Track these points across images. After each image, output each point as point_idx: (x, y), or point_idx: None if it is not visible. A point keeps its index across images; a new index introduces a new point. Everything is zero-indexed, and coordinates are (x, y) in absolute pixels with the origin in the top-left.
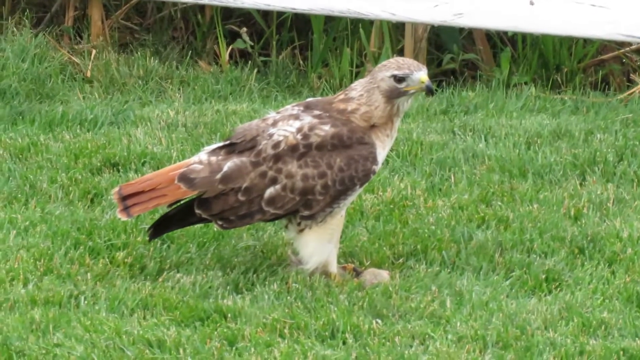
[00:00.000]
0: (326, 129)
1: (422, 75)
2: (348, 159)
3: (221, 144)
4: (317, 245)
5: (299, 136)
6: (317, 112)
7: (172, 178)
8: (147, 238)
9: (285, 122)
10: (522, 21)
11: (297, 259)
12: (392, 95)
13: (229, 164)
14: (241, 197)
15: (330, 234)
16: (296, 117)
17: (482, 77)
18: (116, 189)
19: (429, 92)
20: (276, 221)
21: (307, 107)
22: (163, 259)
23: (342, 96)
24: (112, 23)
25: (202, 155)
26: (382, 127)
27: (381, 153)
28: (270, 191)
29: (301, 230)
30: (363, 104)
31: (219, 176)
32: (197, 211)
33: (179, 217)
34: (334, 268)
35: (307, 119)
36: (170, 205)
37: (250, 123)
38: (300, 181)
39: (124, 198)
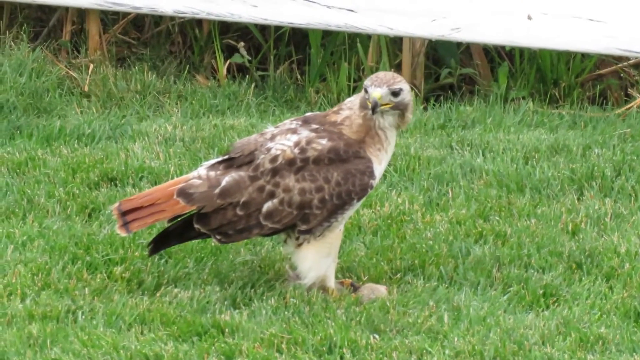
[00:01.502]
0: (323, 143)
1: (376, 92)
2: (345, 173)
3: (220, 158)
4: (315, 260)
5: (296, 150)
6: (314, 126)
7: (171, 193)
8: (147, 253)
9: (283, 137)
10: (519, 36)
11: (295, 274)
12: (362, 105)
13: (227, 179)
14: (239, 212)
15: (328, 248)
16: (294, 131)
17: (480, 91)
18: (116, 204)
19: (371, 110)
20: (274, 236)
21: (305, 122)
22: (161, 274)
23: (335, 108)
24: (110, 37)
25: (201, 170)
26: (371, 141)
27: (377, 168)
28: (268, 205)
29: (299, 245)
30: (348, 109)
31: (217, 191)
32: (196, 226)
33: (178, 232)
34: (332, 283)
35: (305, 133)
36: (170, 221)
37: (249, 138)
38: (298, 195)
39: (123, 214)
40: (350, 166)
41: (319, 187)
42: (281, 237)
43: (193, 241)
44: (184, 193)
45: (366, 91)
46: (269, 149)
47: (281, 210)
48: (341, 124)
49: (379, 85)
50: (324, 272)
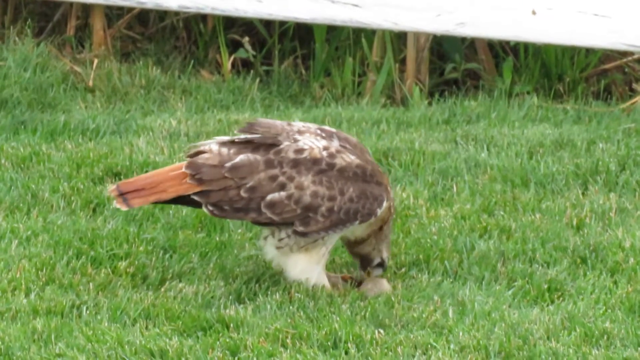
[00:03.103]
0: (352, 158)
1: None
2: (361, 192)
3: (236, 138)
4: (306, 265)
5: (324, 152)
6: (346, 144)
7: (174, 176)
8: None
9: (312, 136)
10: (524, 31)
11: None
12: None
13: (241, 156)
14: (243, 194)
15: (317, 258)
16: (323, 137)
17: (484, 86)
18: (113, 186)
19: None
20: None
21: (331, 136)
22: (165, 269)
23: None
24: (114, 32)
25: (213, 145)
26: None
27: (384, 204)
28: (273, 195)
29: (278, 248)
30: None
31: (228, 164)
32: (194, 196)
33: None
34: (326, 283)
35: (335, 143)
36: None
37: (275, 121)
38: (309, 196)
39: (122, 194)
40: (367, 188)
41: (332, 197)
42: (264, 233)
43: (198, 236)
44: (194, 165)
45: None
46: (296, 140)
47: (286, 204)
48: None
49: None
50: (315, 280)
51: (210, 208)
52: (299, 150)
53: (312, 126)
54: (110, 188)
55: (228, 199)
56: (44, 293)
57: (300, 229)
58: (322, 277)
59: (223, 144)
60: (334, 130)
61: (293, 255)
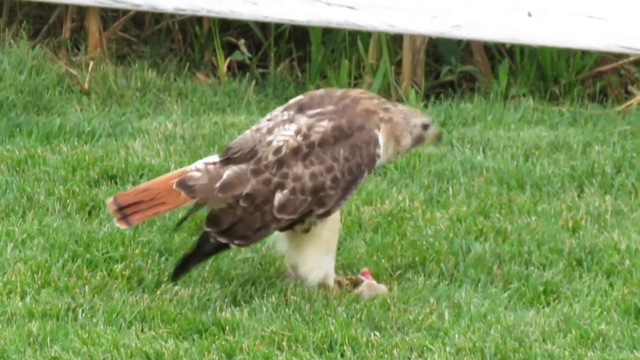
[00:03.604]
0: (324, 125)
1: (436, 125)
2: (351, 147)
3: (217, 158)
4: (316, 260)
5: (299, 137)
6: (310, 112)
7: (170, 186)
8: (171, 279)
9: (281, 127)
10: (520, 33)
11: (296, 275)
12: (416, 142)
13: (228, 172)
14: (243, 204)
15: (327, 246)
16: (290, 120)
17: (480, 89)
18: (111, 199)
19: (439, 139)
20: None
21: (301, 109)
22: (161, 272)
23: (375, 101)
24: (110, 35)
25: (199, 164)
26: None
27: (382, 149)
28: (279, 197)
29: (306, 230)
30: (400, 132)
31: (218, 184)
32: (207, 229)
33: (195, 252)
34: (332, 280)
35: (303, 120)
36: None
37: (245, 135)
38: (310, 181)
39: (121, 208)
40: (354, 140)
41: (329, 167)
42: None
43: (193, 238)
44: (183, 185)
45: (426, 128)
46: (269, 142)
47: (294, 199)
48: (385, 121)
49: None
50: (325, 271)
51: (236, 242)
52: (277, 150)
53: (277, 113)
54: (109, 201)
55: (238, 218)
56: (39, 296)
57: (320, 211)
58: (330, 269)
59: (207, 163)
60: (297, 99)
61: (303, 250)
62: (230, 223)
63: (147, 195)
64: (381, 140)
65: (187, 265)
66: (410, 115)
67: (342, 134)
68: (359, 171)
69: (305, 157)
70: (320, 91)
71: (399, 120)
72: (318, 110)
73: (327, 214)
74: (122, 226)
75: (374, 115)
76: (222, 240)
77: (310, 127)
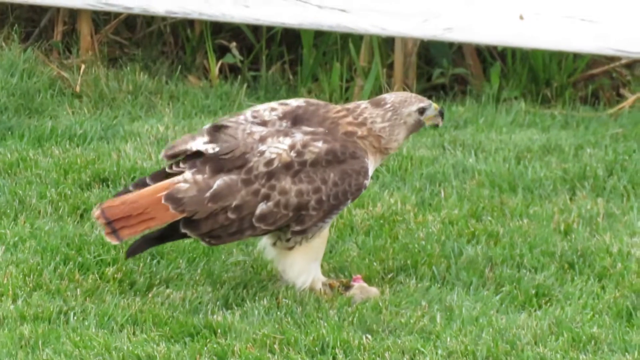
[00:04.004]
0: (319, 146)
1: (433, 104)
2: (342, 174)
3: (203, 139)
4: (304, 265)
5: (292, 153)
6: (307, 129)
7: (159, 199)
8: (125, 256)
9: (275, 139)
10: (512, 36)
11: (284, 281)
12: (414, 130)
13: (218, 182)
14: (231, 215)
15: (315, 252)
16: (285, 133)
17: (472, 91)
18: (97, 211)
19: (442, 115)
20: (261, 239)
21: (295, 122)
22: (153, 275)
23: (350, 118)
24: (102, 38)
25: (187, 175)
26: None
27: (371, 168)
28: (262, 208)
29: (290, 248)
30: (388, 138)
31: (208, 194)
32: (184, 231)
33: (160, 235)
34: (320, 285)
35: (299, 137)
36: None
37: (236, 133)
38: (295, 197)
39: (109, 222)
40: (346, 167)
41: (317, 189)
42: (269, 241)
43: (185, 241)
44: (172, 198)
45: (424, 111)
46: (262, 152)
47: (276, 212)
48: (362, 138)
49: (428, 101)
50: (313, 276)
51: (207, 239)
52: (269, 162)
53: (272, 118)
54: (95, 212)
55: (219, 225)
56: (31, 299)
57: (297, 228)
58: (318, 274)
59: (196, 171)
60: (294, 105)
61: (291, 255)
62: (210, 229)
63: (136, 210)
64: (370, 171)
65: (146, 246)
66: (402, 105)
67: (335, 159)
68: (344, 198)
69: (296, 174)
70: (312, 106)
71: (379, 127)
72: (311, 129)
73: (302, 232)
74: (113, 241)
75: (352, 136)
76: (194, 237)
77: (305, 145)
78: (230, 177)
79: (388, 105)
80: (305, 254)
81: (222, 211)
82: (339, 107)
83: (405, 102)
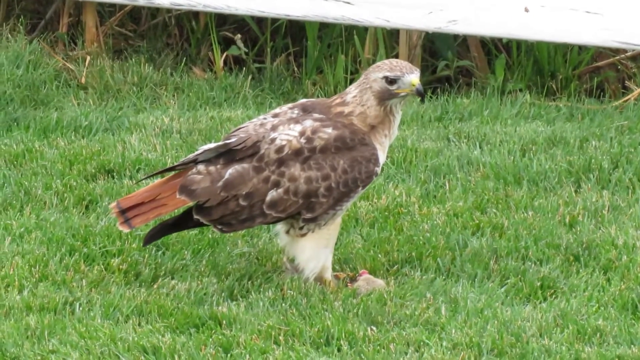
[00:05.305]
0: (329, 132)
1: (413, 78)
2: (351, 161)
3: (216, 145)
4: (314, 251)
5: (302, 140)
6: (316, 116)
7: (171, 188)
8: (142, 244)
9: (286, 126)
10: (516, 28)
11: (293, 266)
12: (384, 97)
13: (230, 171)
14: (242, 202)
15: (327, 239)
16: (296, 120)
17: (477, 84)
18: (114, 203)
19: (420, 95)
20: (275, 225)
21: (305, 110)
22: (158, 266)
23: (338, 100)
24: (107, 29)
25: (200, 167)
26: (380, 128)
27: (381, 156)
28: (272, 194)
29: (303, 235)
30: (357, 105)
31: (221, 183)
32: (196, 217)
33: (174, 222)
34: (329, 274)
35: (309, 123)
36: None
37: (248, 127)
38: (304, 184)
39: (123, 211)
40: (356, 154)
41: (326, 176)
42: (283, 228)
43: (190, 233)
44: (186, 190)
45: (393, 82)
46: (273, 140)
47: (286, 199)
48: (350, 115)
49: (411, 71)
50: (323, 263)
51: (219, 226)
52: (279, 149)
53: (284, 109)
54: (111, 204)
55: (230, 211)
56: (37, 290)
57: (308, 215)
58: (328, 262)
59: (208, 162)
60: (303, 101)
61: (302, 241)
62: (221, 215)
63: (148, 197)
64: (381, 159)
65: (162, 234)
66: (372, 70)
67: (345, 145)
68: (354, 185)
69: (305, 161)
70: (318, 99)
71: (352, 95)
72: (321, 115)
73: (314, 219)
74: (125, 229)
75: (341, 116)
76: (207, 223)
77: (314, 132)
78: (242, 166)
79: (366, 71)
80: (316, 240)
81: (233, 198)
82: (337, 95)
83: (377, 67)
